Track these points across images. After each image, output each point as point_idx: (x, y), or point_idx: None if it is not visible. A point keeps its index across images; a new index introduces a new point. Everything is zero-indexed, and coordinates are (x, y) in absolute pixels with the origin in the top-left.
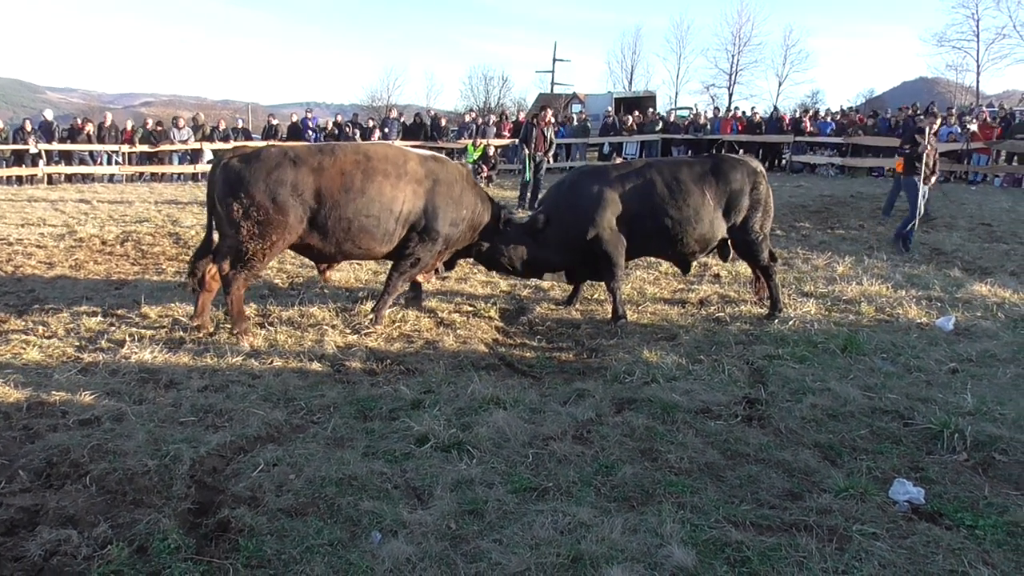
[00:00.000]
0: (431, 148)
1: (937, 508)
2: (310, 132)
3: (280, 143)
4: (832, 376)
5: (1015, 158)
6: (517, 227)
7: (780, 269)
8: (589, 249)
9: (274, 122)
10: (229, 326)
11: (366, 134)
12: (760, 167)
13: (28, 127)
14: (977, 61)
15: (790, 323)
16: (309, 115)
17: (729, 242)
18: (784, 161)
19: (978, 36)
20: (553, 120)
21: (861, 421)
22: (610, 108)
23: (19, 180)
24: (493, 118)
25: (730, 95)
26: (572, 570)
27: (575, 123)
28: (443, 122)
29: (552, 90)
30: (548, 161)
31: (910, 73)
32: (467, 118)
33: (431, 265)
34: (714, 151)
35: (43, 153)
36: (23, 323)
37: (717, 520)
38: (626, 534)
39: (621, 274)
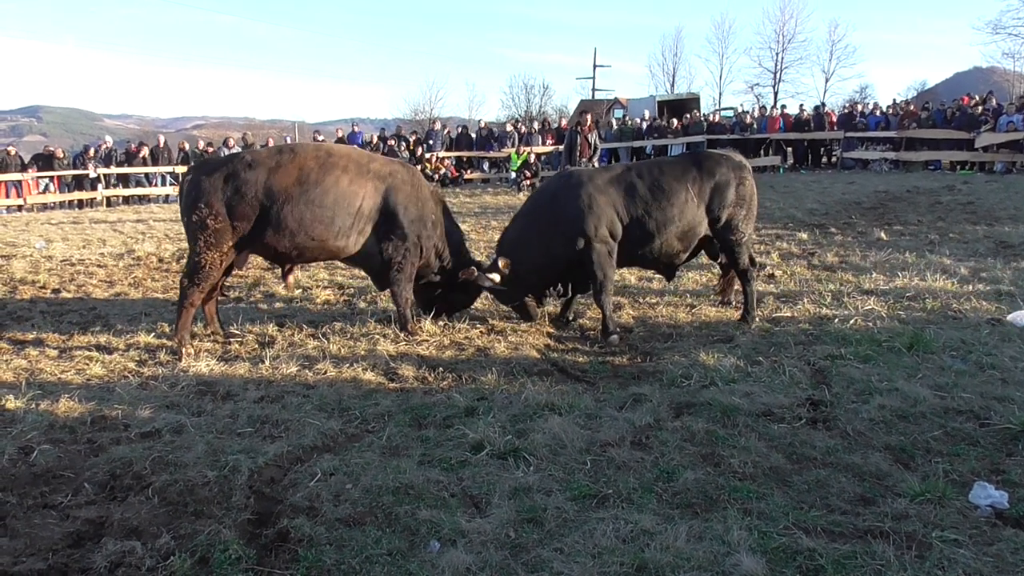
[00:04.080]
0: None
1: (1023, 513)
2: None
3: None
4: (899, 375)
5: None
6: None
7: (838, 266)
8: (578, 261)
9: (320, 138)
10: (247, 338)
11: (411, 147)
12: (745, 162)
13: (92, 152)
14: None
15: (852, 321)
16: (356, 128)
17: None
18: (835, 158)
19: None
20: (595, 126)
21: (934, 422)
22: (647, 111)
23: (80, 204)
24: (536, 125)
25: (775, 93)
26: None
27: (613, 128)
28: (484, 132)
29: (593, 96)
30: (593, 166)
31: (963, 64)
32: (508, 127)
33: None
34: (761, 151)
35: (102, 177)
36: (86, 340)
37: (786, 527)
38: (691, 542)
39: (610, 287)
